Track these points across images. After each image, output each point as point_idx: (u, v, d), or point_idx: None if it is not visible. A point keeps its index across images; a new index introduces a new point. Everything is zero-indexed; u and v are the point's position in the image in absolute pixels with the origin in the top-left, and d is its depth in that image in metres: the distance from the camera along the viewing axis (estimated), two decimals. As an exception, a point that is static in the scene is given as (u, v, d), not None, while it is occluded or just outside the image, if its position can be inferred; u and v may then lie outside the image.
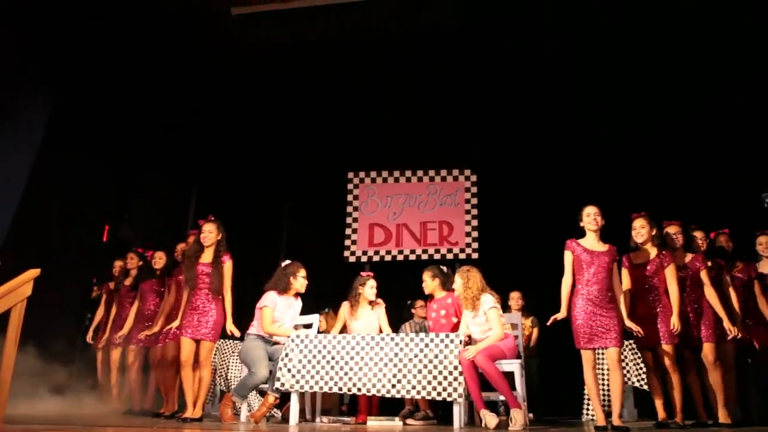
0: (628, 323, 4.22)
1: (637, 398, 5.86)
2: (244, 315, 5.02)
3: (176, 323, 4.80)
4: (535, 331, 6.11)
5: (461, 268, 4.66)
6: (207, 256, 4.77)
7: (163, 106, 7.21)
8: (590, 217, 4.34)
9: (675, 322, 4.27)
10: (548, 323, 4.33)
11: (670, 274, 4.39)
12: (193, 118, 7.46)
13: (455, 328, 4.79)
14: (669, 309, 4.35)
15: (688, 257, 4.64)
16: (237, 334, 4.67)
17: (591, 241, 4.33)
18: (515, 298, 6.14)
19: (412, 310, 6.16)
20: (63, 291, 6.10)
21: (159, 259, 5.73)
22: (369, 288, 5.09)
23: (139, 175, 7.50)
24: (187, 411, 4.63)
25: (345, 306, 5.17)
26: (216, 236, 4.79)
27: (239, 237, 5.22)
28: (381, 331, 4.95)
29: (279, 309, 4.74)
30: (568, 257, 4.35)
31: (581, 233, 4.42)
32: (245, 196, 7.74)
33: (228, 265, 4.74)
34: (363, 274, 5.28)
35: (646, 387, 5.41)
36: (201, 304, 4.67)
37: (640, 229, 4.50)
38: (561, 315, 4.26)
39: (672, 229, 4.69)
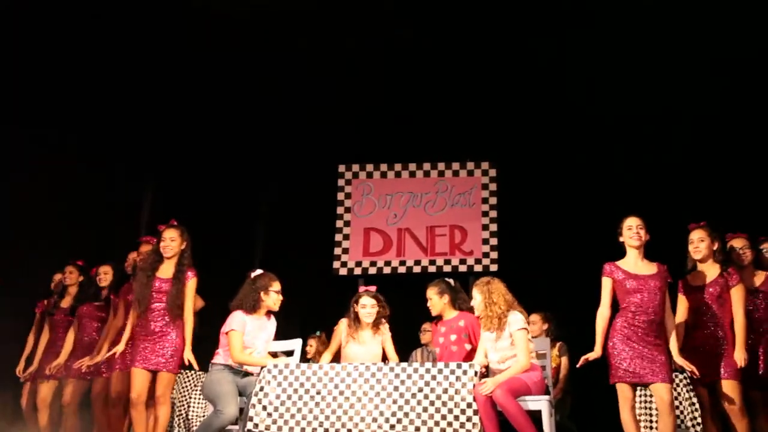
0: (679, 360, 4.21)
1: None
2: (208, 341, 5.02)
3: (120, 347, 4.81)
4: (564, 360, 6.09)
5: (479, 281, 4.65)
6: (166, 270, 4.79)
7: (109, 83, 7.20)
8: (632, 230, 4.34)
9: (740, 355, 4.24)
10: (578, 365, 4.33)
11: (737, 296, 4.37)
12: (146, 98, 7.45)
13: (469, 357, 4.79)
14: (734, 340, 4.34)
15: (760, 276, 4.63)
16: (195, 365, 4.69)
17: (633, 261, 4.33)
18: (537, 322, 6.09)
19: (419, 334, 6.17)
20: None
21: (105, 275, 5.73)
22: (361, 307, 5.04)
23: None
24: (139, 457, 4.64)
25: (343, 324, 5.13)
26: (179, 245, 4.82)
27: (204, 245, 5.22)
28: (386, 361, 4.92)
29: (249, 332, 4.75)
30: (606, 285, 4.35)
31: (622, 248, 4.42)
32: (211, 195, 7.74)
33: (192, 283, 4.77)
34: (362, 288, 5.26)
35: None
36: (157, 329, 4.68)
37: (699, 243, 4.49)
38: (595, 355, 4.26)
39: (738, 243, 4.69)
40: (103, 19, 6.72)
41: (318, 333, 6.25)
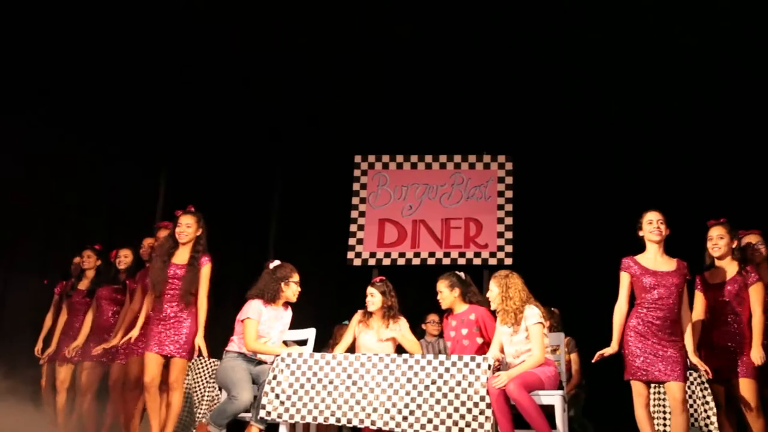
0: (694, 359, 4.19)
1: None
2: (222, 329, 5.04)
3: (135, 332, 4.85)
4: (574, 357, 6.07)
5: (498, 274, 4.64)
6: (182, 256, 4.81)
7: (127, 74, 7.23)
8: (652, 225, 4.31)
9: (756, 354, 4.20)
10: (593, 360, 4.32)
11: (756, 295, 4.32)
12: (162, 86, 7.47)
13: (481, 350, 4.78)
14: (751, 339, 4.30)
15: None
16: (204, 352, 4.70)
17: (653, 257, 4.31)
18: (555, 316, 6.08)
19: (423, 326, 6.16)
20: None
21: (125, 258, 5.75)
22: (368, 296, 5.10)
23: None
24: (153, 442, 4.67)
25: (357, 315, 5.18)
26: (195, 232, 4.84)
27: (218, 235, 5.24)
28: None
29: (265, 321, 4.76)
30: (624, 279, 4.34)
31: (640, 239, 4.40)
32: (226, 183, 7.76)
33: (206, 269, 4.78)
34: (375, 279, 5.28)
35: None
36: (172, 314, 4.71)
37: (718, 240, 4.45)
38: (611, 350, 4.26)
39: (752, 239, 4.65)
40: (119, 13, 6.74)
41: (345, 322, 6.26)
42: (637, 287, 4.29)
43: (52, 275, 6.67)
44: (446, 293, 5.02)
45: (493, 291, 4.55)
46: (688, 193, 6.41)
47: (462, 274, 5.15)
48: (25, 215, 6.71)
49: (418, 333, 6.17)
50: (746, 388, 4.26)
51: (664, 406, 5.58)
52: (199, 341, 4.69)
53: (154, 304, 4.80)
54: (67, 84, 7.04)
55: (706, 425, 5.55)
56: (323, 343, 6.05)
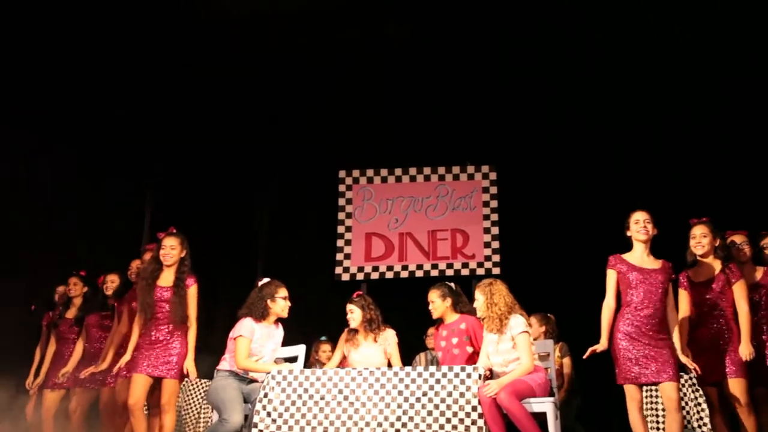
0: (683, 358, 4.24)
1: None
2: (211, 350, 5.02)
3: (126, 357, 4.80)
4: (567, 362, 6.08)
5: (481, 283, 4.66)
6: (167, 278, 4.79)
7: (108, 90, 7.21)
8: (639, 224, 4.36)
9: (745, 351, 4.25)
10: (585, 356, 4.35)
11: (739, 292, 4.39)
12: (146, 104, 7.46)
13: (471, 360, 4.78)
14: (738, 336, 4.35)
15: (760, 271, 4.64)
16: (193, 375, 4.68)
17: (639, 255, 4.36)
18: (534, 323, 6.05)
19: (425, 339, 6.16)
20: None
21: (111, 283, 5.72)
22: (348, 312, 5.14)
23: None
24: (144, 465, 4.62)
25: (344, 334, 5.20)
26: (179, 253, 4.82)
27: (206, 253, 5.23)
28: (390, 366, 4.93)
29: (257, 340, 4.74)
30: (611, 277, 4.39)
31: (627, 245, 4.43)
32: (213, 202, 7.75)
33: (193, 290, 4.76)
34: (354, 295, 5.29)
35: None
36: (161, 337, 4.69)
37: (701, 239, 4.50)
38: (601, 347, 4.29)
39: (738, 239, 4.71)
40: (102, 24, 6.73)
41: (323, 338, 6.24)
42: (623, 285, 4.33)
43: (38, 302, 6.62)
44: (438, 303, 5.03)
45: (479, 300, 4.57)
46: (671, 194, 6.46)
47: (453, 285, 5.17)
48: (7, 241, 6.64)
49: (412, 345, 6.17)
50: (737, 387, 4.29)
51: (656, 408, 5.60)
52: (189, 365, 4.66)
53: (143, 327, 4.76)
54: (47, 107, 7.01)
55: (699, 426, 5.58)
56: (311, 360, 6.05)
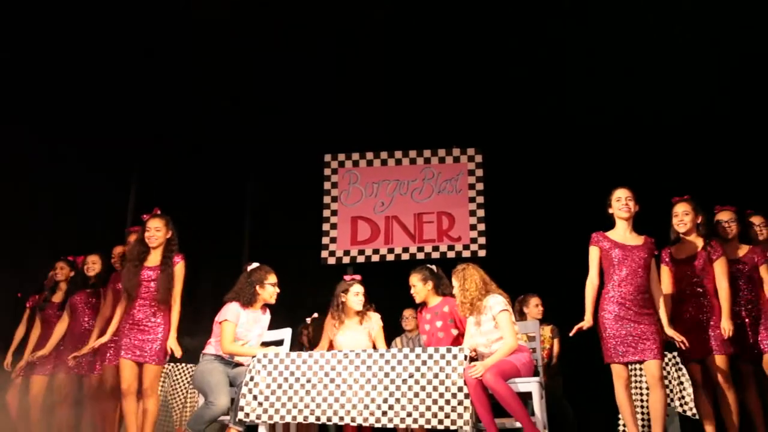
0: (670, 332, 4.26)
1: (683, 423, 5.89)
2: (198, 334, 5.00)
3: (105, 338, 4.79)
4: (556, 343, 6.11)
5: (456, 269, 4.67)
6: (153, 259, 4.77)
7: (92, 75, 7.13)
8: (621, 202, 4.39)
9: (726, 325, 4.30)
10: (571, 333, 4.37)
11: (720, 269, 4.43)
12: (130, 90, 7.38)
13: (456, 342, 4.78)
14: (719, 313, 4.39)
15: (744, 249, 4.67)
16: (177, 353, 4.65)
17: (622, 233, 4.38)
18: (537, 305, 6.08)
19: (401, 321, 6.16)
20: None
21: (93, 264, 5.67)
22: (353, 295, 5.06)
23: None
24: (131, 450, 4.60)
25: (329, 318, 5.16)
26: (165, 234, 4.80)
27: (191, 236, 5.19)
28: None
29: (243, 324, 4.72)
30: (594, 254, 4.41)
31: (612, 225, 4.44)
32: (197, 187, 7.69)
33: (180, 267, 4.74)
34: (347, 277, 5.26)
35: (690, 413, 5.47)
36: (144, 318, 4.66)
37: (683, 216, 4.54)
38: (586, 324, 4.31)
39: (725, 216, 4.73)
40: (87, 14, 6.65)
41: (308, 320, 6.23)
42: (606, 262, 4.35)
43: (25, 288, 6.56)
44: (419, 287, 5.02)
45: (455, 286, 4.60)
46: (655, 172, 6.48)
47: (434, 267, 5.14)
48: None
49: (396, 328, 6.17)
50: (720, 363, 4.35)
51: (639, 387, 5.64)
52: (172, 343, 4.64)
53: (126, 308, 4.73)
54: (32, 91, 6.93)
55: (681, 405, 5.63)
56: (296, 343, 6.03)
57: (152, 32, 6.90)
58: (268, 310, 4.92)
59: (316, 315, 6.30)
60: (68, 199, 7.21)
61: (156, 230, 4.77)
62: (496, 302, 4.42)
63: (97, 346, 4.89)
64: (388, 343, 5.33)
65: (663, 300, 4.35)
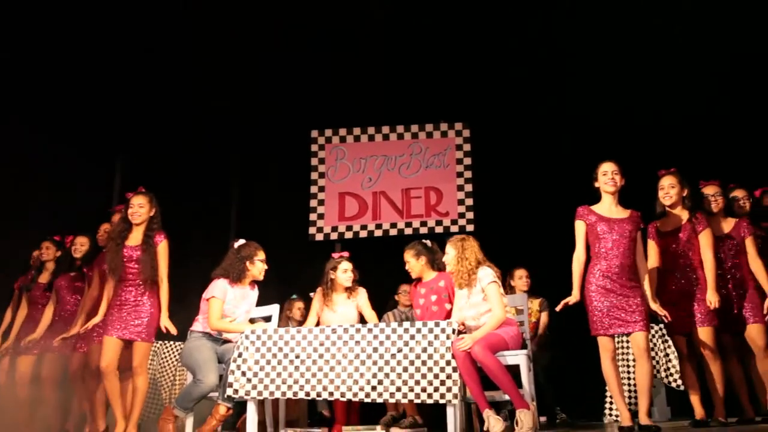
0: (654, 306, 4.29)
1: (669, 394, 5.97)
2: (187, 311, 4.98)
3: (97, 319, 4.77)
4: (544, 316, 6.15)
5: (453, 238, 4.64)
6: (136, 237, 4.76)
7: (78, 55, 7.04)
8: (607, 175, 4.38)
9: (711, 297, 4.33)
10: (558, 308, 4.39)
11: (705, 241, 4.45)
12: (115, 69, 7.29)
13: (449, 316, 4.78)
14: (705, 285, 4.41)
15: (730, 223, 4.69)
16: (173, 331, 4.67)
17: (608, 206, 4.38)
18: (521, 277, 6.13)
19: (396, 297, 6.17)
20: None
21: (81, 246, 5.64)
22: (341, 272, 5.09)
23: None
24: (118, 428, 4.60)
25: (318, 294, 5.18)
26: (148, 212, 4.79)
27: (178, 213, 5.17)
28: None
29: (230, 301, 4.72)
30: (579, 227, 4.42)
31: (597, 197, 4.44)
32: (183, 165, 7.64)
33: (163, 246, 4.73)
34: (335, 255, 5.27)
35: (674, 384, 5.53)
36: (131, 298, 4.66)
37: (669, 189, 4.55)
38: (573, 299, 4.34)
39: (710, 190, 4.75)
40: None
41: (294, 296, 6.22)
42: (592, 235, 4.36)
43: (11, 269, 6.50)
44: (413, 263, 5.04)
45: (450, 254, 4.55)
46: (644, 146, 6.49)
47: (428, 242, 5.17)
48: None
49: (387, 303, 6.17)
50: (706, 335, 4.38)
51: (626, 359, 5.68)
52: (165, 322, 4.66)
53: (113, 288, 4.71)
54: (16, 73, 6.85)
55: (667, 376, 5.69)
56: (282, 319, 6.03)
57: (135, 9, 6.81)
58: (256, 287, 4.93)
59: (295, 297, 6.29)
60: (53, 180, 7.15)
61: (139, 206, 4.75)
62: (486, 274, 4.42)
63: (88, 328, 4.87)
64: (380, 317, 5.36)
65: (648, 274, 4.37)
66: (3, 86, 6.79)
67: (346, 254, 5.25)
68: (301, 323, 5.88)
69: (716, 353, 4.37)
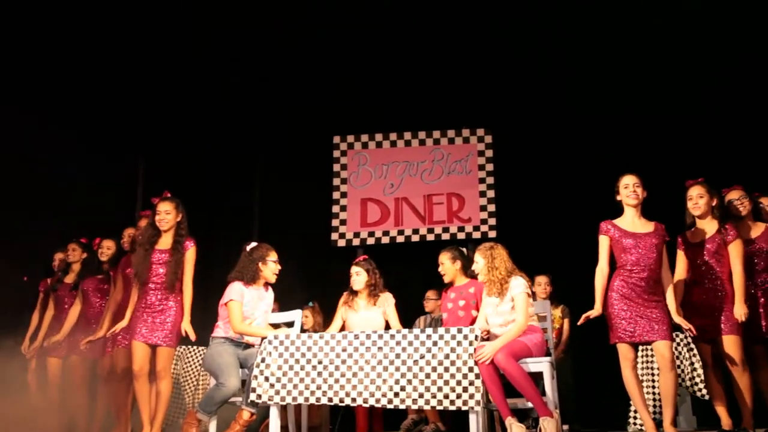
0: (677, 319, 4.22)
1: (695, 403, 5.90)
2: (209, 316, 5.01)
3: (123, 323, 4.80)
4: (566, 323, 6.13)
5: (482, 246, 4.64)
6: (164, 243, 4.80)
7: (100, 60, 7.12)
8: (629, 188, 4.35)
9: (740, 310, 4.25)
10: (579, 323, 4.35)
11: (735, 251, 4.37)
12: (139, 72, 7.36)
13: (474, 323, 4.78)
14: (732, 296, 4.34)
15: (759, 229, 4.61)
16: (192, 336, 4.69)
17: (630, 220, 4.34)
18: (541, 284, 6.13)
19: (424, 302, 6.18)
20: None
21: (107, 249, 5.70)
22: (354, 275, 5.14)
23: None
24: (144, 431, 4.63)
25: (343, 298, 5.22)
26: (175, 218, 4.82)
27: (201, 220, 5.20)
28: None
29: (248, 302, 4.76)
30: (603, 242, 4.37)
31: (620, 207, 4.41)
32: (207, 170, 7.70)
33: (191, 252, 4.77)
34: (360, 259, 5.29)
35: (699, 394, 5.46)
36: (156, 302, 4.70)
37: (698, 200, 4.49)
38: (595, 312, 4.30)
39: (734, 195, 4.68)
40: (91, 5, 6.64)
41: (311, 303, 6.24)
42: (617, 250, 4.32)
43: (34, 271, 6.59)
44: (448, 265, 5.06)
45: (479, 263, 4.55)
46: (667, 156, 6.44)
47: (464, 249, 5.21)
48: (5, 209, 6.60)
49: (409, 309, 6.16)
50: (731, 345, 4.30)
51: (651, 368, 5.63)
52: (186, 326, 4.68)
53: (139, 292, 4.76)
54: (40, 76, 6.94)
55: (692, 386, 5.62)
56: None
57: (160, 12, 6.87)
58: (270, 288, 4.96)
59: (311, 303, 6.31)
60: (76, 183, 7.23)
61: (166, 213, 4.79)
62: (518, 284, 4.41)
63: (115, 332, 4.91)
64: (404, 324, 5.37)
65: (674, 286, 4.32)
66: (31, 93, 6.89)
67: (361, 258, 5.29)
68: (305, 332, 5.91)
69: (744, 364, 4.28)
